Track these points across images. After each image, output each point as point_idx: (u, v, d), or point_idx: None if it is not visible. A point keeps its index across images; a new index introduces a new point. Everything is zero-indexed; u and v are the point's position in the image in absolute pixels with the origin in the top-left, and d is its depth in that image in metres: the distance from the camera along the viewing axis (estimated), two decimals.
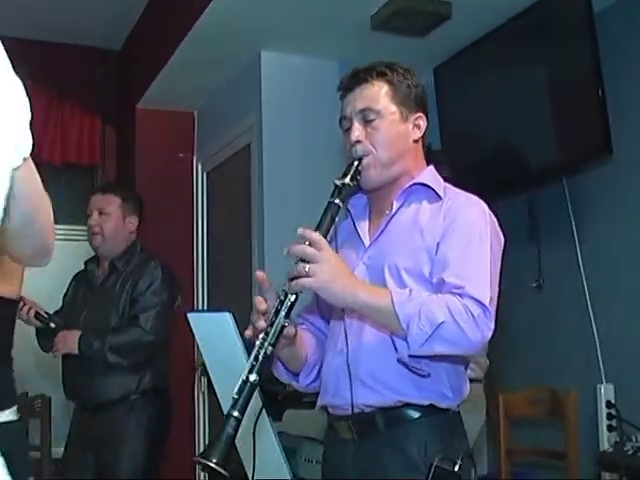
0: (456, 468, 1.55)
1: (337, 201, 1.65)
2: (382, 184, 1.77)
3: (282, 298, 1.57)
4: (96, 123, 4.97)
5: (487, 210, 1.71)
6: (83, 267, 3.31)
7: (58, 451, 3.35)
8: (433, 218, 1.70)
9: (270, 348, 1.55)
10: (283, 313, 1.57)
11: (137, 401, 3.03)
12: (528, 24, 3.49)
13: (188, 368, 4.25)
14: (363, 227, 1.82)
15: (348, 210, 1.86)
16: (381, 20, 3.45)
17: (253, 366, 1.52)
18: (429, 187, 1.75)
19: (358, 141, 1.73)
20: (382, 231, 1.76)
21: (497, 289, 1.63)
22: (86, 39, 4.84)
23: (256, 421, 1.61)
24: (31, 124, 0.97)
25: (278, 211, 3.88)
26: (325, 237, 1.60)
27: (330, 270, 1.55)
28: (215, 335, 1.80)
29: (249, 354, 1.58)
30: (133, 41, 4.88)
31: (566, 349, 3.54)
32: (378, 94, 1.75)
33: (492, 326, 1.56)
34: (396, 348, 1.60)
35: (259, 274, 1.66)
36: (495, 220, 1.72)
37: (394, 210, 1.75)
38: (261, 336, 1.56)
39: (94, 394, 3.01)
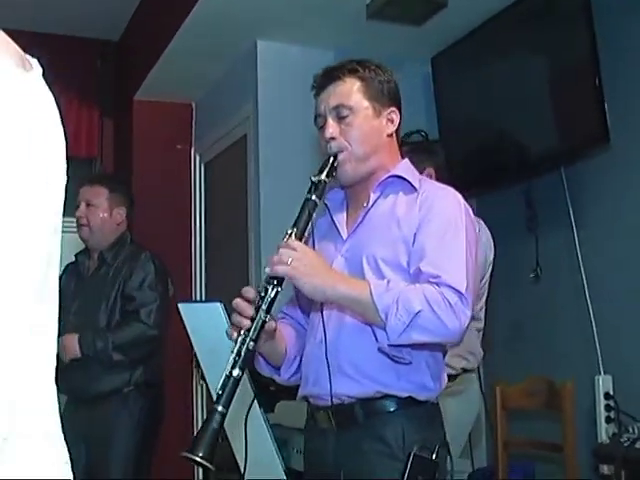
0: (434, 457, 1.58)
1: (314, 197, 1.69)
2: (358, 179, 1.80)
3: (262, 294, 1.60)
4: (94, 115, 4.97)
5: (462, 200, 1.75)
6: (74, 259, 3.30)
7: None
8: (409, 209, 1.73)
9: (252, 343, 1.57)
10: (264, 308, 1.59)
11: (129, 394, 3.02)
12: (525, 12, 3.48)
13: (186, 360, 4.24)
14: (341, 220, 1.85)
15: (326, 205, 1.89)
16: (376, 8, 3.43)
17: (236, 361, 1.54)
18: (405, 179, 1.78)
19: (333, 138, 1.76)
20: (359, 223, 1.79)
21: (474, 277, 1.66)
22: (83, 31, 4.82)
23: (248, 412, 1.64)
24: None
25: (275, 202, 3.87)
26: (303, 233, 1.64)
27: (309, 264, 1.58)
28: (206, 325, 1.83)
29: None
30: (130, 32, 4.87)
31: (564, 340, 3.52)
32: (350, 90, 1.78)
33: (469, 313, 1.58)
34: (376, 338, 1.62)
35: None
36: (470, 210, 1.76)
37: (371, 202, 1.78)
38: (243, 332, 1.58)
39: (86, 388, 3.00)
